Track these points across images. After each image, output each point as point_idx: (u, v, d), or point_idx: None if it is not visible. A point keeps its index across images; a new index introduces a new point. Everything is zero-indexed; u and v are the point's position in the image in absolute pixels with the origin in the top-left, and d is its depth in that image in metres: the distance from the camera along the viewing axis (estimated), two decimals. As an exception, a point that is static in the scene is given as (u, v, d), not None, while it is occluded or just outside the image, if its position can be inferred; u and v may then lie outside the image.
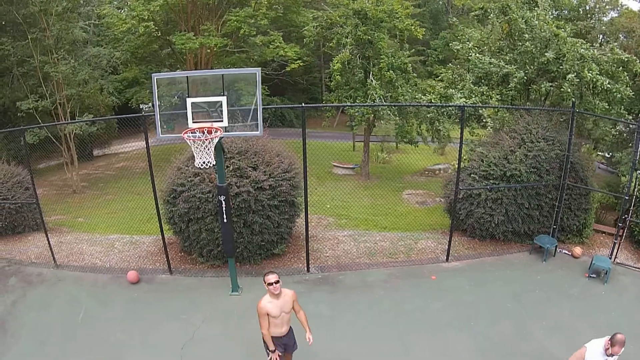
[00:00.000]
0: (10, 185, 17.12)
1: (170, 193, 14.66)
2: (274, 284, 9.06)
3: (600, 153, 18.87)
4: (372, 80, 24.26)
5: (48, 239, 15.51)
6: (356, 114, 24.85)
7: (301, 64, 30.10)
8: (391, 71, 24.18)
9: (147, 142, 13.76)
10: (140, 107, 45.40)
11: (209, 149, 11.64)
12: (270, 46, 29.28)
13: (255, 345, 10.93)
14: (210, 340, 12.14)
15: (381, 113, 24.34)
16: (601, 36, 28.23)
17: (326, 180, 14.18)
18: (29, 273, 15.15)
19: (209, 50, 29.80)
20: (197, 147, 11.65)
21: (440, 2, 62.67)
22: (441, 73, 21.73)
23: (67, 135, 24.73)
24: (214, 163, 11.91)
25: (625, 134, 18.24)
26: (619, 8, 31.07)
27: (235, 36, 29.68)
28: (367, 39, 24.35)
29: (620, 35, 26.24)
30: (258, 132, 12.16)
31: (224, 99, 11.77)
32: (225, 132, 12.01)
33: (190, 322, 12.78)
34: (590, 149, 16.64)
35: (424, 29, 26.77)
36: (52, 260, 15.64)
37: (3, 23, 24.31)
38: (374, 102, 23.32)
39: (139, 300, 13.83)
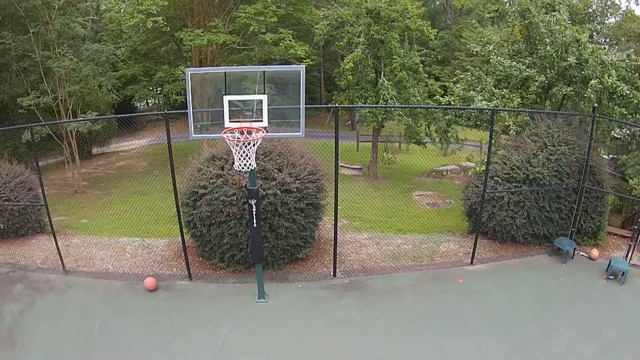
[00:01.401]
0: (13, 186, 15.80)
1: (191, 195, 13.64)
2: None
3: (603, 156, 18.21)
4: (384, 81, 23.70)
5: (57, 243, 14.24)
6: (367, 114, 24.57)
7: (310, 63, 29.00)
8: (403, 72, 23.69)
9: (169, 140, 12.81)
10: (137, 105, 44.28)
11: (250, 151, 10.87)
12: (280, 44, 28.09)
13: (290, 352, 10.87)
14: (241, 352, 11.28)
15: (393, 114, 24.16)
16: (603, 40, 27.44)
17: (332, 180, 13.43)
18: (35, 279, 13.84)
19: (214, 47, 28.58)
20: (238, 149, 10.85)
21: (438, 2, 61.96)
22: (456, 75, 20.81)
23: (70, 132, 23.36)
24: (255, 166, 11.20)
25: (629, 137, 17.77)
26: (620, 13, 30.35)
27: (244, 33, 28.60)
28: (380, 39, 23.92)
29: (622, 39, 25.37)
30: (300, 133, 11.50)
31: (264, 98, 10.98)
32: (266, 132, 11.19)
33: (217, 332, 11.87)
34: (599, 152, 16.18)
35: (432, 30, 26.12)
36: (60, 265, 14.36)
37: (3, 17, 22.91)
38: (386, 102, 22.93)
39: (159, 309, 12.76)
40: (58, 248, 14.17)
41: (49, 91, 23.25)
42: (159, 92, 41.47)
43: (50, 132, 22.47)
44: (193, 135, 11.40)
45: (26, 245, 15.80)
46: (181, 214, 13.56)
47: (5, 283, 13.55)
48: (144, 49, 31.30)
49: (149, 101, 48.32)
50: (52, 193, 21.44)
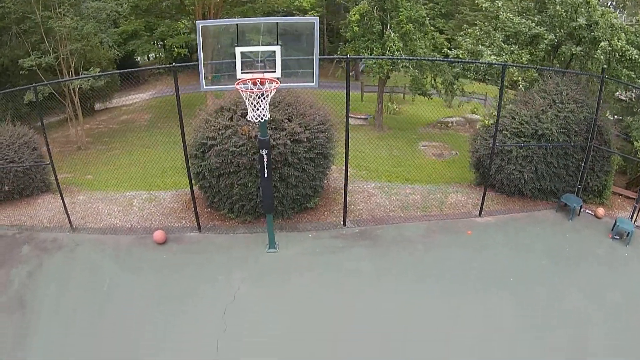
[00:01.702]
0: (17, 147, 15.33)
1: (199, 147, 13.25)
2: None
3: (609, 117, 18.02)
4: (390, 33, 23.31)
5: (63, 201, 13.86)
6: (374, 65, 24.28)
7: (315, 14, 28.37)
8: (409, 24, 23.30)
9: (177, 94, 12.41)
10: (138, 60, 43.68)
11: (264, 102, 10.57)
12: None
13: (301, 304, 10.84)
14: (253, 303, 11.19)
15: (399, 65, 23.84)
16: (610, 2, 26.80)
17: (341, 130, 13.28)
18: (43, 239, 13.46)
19: (218, 0, 27.75)
20: (252, 100, 10.53)
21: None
22: (462, 31, 20.60)
23: (72, 90, 22.84)
24: (268, 117, 10.96)
25: (635, 100, 17.67)
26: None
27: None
28: (387, -9, 23.43)
29: (629, 3, 24.68)
30: (313, 84, 11.20)
31: (277, 49, 10.64)
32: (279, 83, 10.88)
33: (228, 283, 11.74)
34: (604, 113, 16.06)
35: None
36: (67, 223, 13.99)
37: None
38: (392, 54, 22.60)
39: (169, 262, 12.51)
40: (64, 205, 13.81)
41: (51, 51, 22.56)
42: (160, 46, 40.73)
43: (53, 91, 21.93)
44: (204, 87, 11.07)
45: (32, 205, 15.40)
46: (190, 165, 13.25)
47: (13, 245, 13.17)
48: (145, 5, 30.49)
49: (150, 55, 47.75)
50: (56, 151, 20.87)
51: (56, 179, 13.80)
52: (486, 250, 13.05)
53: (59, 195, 13.97)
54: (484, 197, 14.68)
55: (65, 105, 23.22)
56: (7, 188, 15.07)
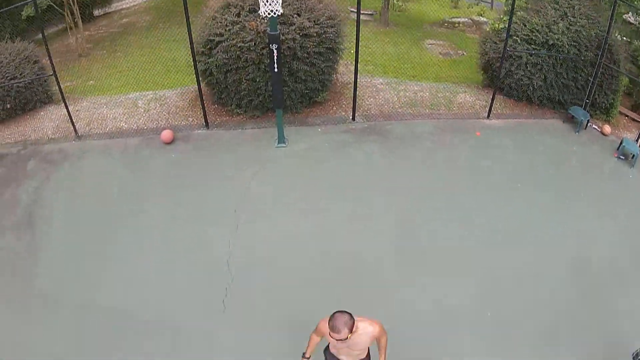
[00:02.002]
0: (17, 63, 14.53)
1: (206, 44, 12.82)
2: (338, 341, 6.03)
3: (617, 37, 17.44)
4: None
5: (67, 108, 13.26)
6: None
7: None
8: None
9: None
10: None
11: None
12: None
13: (313, 197, 10.93)
14: (264, 197, 11.19)
15: None
16: None
17: (346, 25, 12.78)
18: (48, 151, 12.97)
19: None
20: None
21: None
22: None
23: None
24: (281, 12, 10.51)
25: None
26: None
27: None
28: None
29: None
30: None
31: None
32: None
33: (239, 178, 11.63)
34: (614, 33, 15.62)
35: None
36: (72, 132, 13.51)
37: None
38: None
39: (179, 161, 12.25)
40: (69, 113, 13.29)
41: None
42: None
43: (51, 2, 20.98)
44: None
45: (35, 118, 14.76)
46: (196, 63, 12.82)
47: (17, 162, 12.65)
48: None
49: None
50: (56, 61, 20.09)
51: (59, 88, 13.23)
52: (494, 151, 13.03)
53: (62, 105, 13.44)
54: (492, 99, 14.43)
55: (64, 15, 22.32)
56: (9, 106, 14.43)
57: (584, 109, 14.68)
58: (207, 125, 13.46)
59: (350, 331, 5.60)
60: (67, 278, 9.52)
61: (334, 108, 14.38)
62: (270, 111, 13.50)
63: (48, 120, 14.41)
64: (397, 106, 14.72)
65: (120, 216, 10.73)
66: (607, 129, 14.61)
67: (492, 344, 8.51)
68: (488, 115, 14.55)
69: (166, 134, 12.80)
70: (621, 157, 13.42)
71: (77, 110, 14.45)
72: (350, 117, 13.91)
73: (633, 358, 7.83)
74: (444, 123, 14.01)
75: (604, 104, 15.17)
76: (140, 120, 13.93)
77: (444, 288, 9.39)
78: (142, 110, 14.41)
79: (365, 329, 5.94)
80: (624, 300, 9.31)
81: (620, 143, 13.54)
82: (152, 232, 10.39)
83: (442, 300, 9.19)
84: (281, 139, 12.71)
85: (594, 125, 14.86)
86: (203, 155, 12.36)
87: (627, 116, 16.31)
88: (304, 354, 6.35)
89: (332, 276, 9.53)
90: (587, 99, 14.68)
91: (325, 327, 5.84)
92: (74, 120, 13.41)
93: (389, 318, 8.15)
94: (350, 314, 5.65)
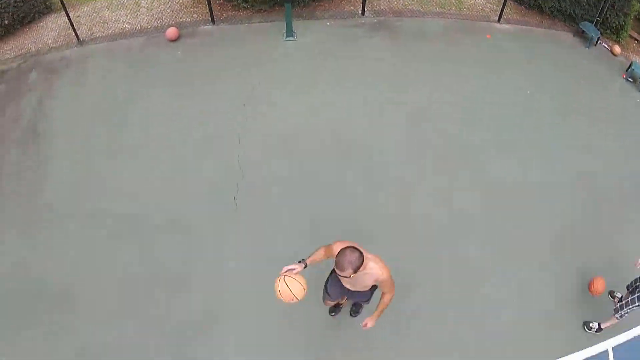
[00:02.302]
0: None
1: None
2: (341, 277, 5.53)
3: None
4: None
5: (67, 12, 12.29)
6: None
7: None
8: None
9: None
10: None
11: None
12: None
13: (323, 92, 10.70)
14: (272, 92, 10.85)
15: None
16: None
17: None
18: (50, 61, 12.15)
19: None
20: None
21: None
22: None
23: None
24: None
25: None
26: None
27: None
28: None
29: None
30: None
31: None
32: None
33: (247, 73, 11.26)
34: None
35: None
36: (73, 38, 12.62)
37: None
38: None
39: (185, 58, 11.66)
40: (68, 16, 12.33)
41: None
42: None
43: None
44: None
45: (34, 30, 13.70)
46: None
47: (19, 76, 11.85)
48: None
49: None
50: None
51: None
52: (504, 55, 12.81)
53: (61, 13, 12.60)
54: (504, 4, 13.79)
55: None
56: (7, 22, 13.52)
57: (595, 26, 14.17)
58: (212, 20, 12.73)
59: (355, 272, 5.27)
60: (74, 189, 9.17)
61: (343, 3, 13.74)
62: (277, 5, 12.79)
63: (48, 30, 13.44)
64: (407, 2, 14.12)
65: (126, 118, 10.24)
66: (617, 49, 14.22)
67: (499, 250, 8.75)
68: (499, 19, 14.08)
69: (171, 32, 12.06)
70: (629, 79, 13.10)
71: (77, 17, 13.43)
72: (360, 12, 13.39)
73: (627, 288, 7.88)
74: (454, 23, 13.65)
75: (614, 24, 14.60)
76: (144, 20, 13.06)
77: (451, 189, 9.51)
78: (146, 10, 13.46)
79: (372, 270, 5.61)
80: (625, 215, 9.54)
81: (630, 65, 13.21)
82: (159, 131, 9.96)
83: (451, 201, 9.32)
84: (290, 33, 12.22)
85: (604, 44, 14.44)
86: (210, 52, 11.78)
87: (637, 40, 15.78)
88: (302, 259, 5.67)
89: (342, 168, 9.55)
90: (598, 17, 14.12)
91: (336, 251, 5.43)
92: (75, 27, 12.53)
93: (397, 210, 8.92)
94: (360, 253, 5.25)
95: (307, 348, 7.56)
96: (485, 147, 10.24)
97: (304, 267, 5.52)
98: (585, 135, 10.91)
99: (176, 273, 8.20)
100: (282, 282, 5.31)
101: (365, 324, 6.10)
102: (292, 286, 5.30)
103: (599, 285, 8.13)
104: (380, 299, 5.93)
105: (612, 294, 8.42)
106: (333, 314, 7.82)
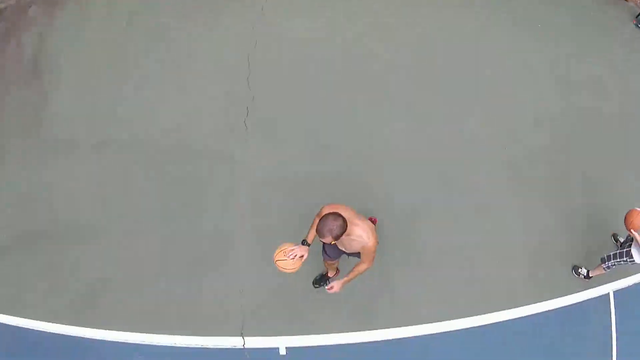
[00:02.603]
0: None
1: None
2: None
3: None
4: None
5: None
6: None
7: None
8: None
9: None
10: None
11: None
12: None
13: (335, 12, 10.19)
14: (281, 14, 10.19)
15: None
16: None
17: None
18: (49, -7, 11.79)
19: None
20: None
21: None
22: None
23: None
24: None
25: None
26: None
27: None
28: None
29: None
30: None
31: None
32: None
33: None
34: None
35: None
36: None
37: None
38: None
39: None
40: None
41: None
42: None
43: None
44: None
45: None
46: None
47: (18, 12, 11.05)
48: None
49: None
50: None
51: None
52: None
53: None
54: None
55: None
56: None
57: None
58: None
59: (335, 239, 5.21)
60: (80, 120, 9.00)
61: None
62: None
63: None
64: None
65: (133, 45, 9.90)
66: (629, -6, 13.93)
67: (506, 182, 8.70)
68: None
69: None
70: (639, 25, 12.39)
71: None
72: None
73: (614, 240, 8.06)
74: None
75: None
76: None
77: (457, 115, 9.30)
78: None
79: (360, 238, 5.54)
80: (628, 150, 9.28)
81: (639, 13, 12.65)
82: (166, 56, 9.68)
83: (457, 128, 9.14)
84: None
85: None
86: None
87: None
88: (304, 240, 5.65)
89: (354, 91, 9.31)
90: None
91: (322, 213, 5.52)
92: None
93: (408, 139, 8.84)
94: (343, 221, 5.17)
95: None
96: (489, 75, 9.85)
97: (309, 247, 5.60)
98: (592, 75, 10.37)
99: (187, 198, 8.19)
100: (276, 266, 5.54)
101: (332, 287, 5.91)
102: (286, 267, 5.49)
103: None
104: (355, 266, 5.83)
105: (615, 236, 8.24)
106: (317, 286, 7.73)
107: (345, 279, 5.86)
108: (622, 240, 7.91)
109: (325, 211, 5.39)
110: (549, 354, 7.66)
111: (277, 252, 5.47)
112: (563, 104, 9.64)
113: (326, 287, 5.99)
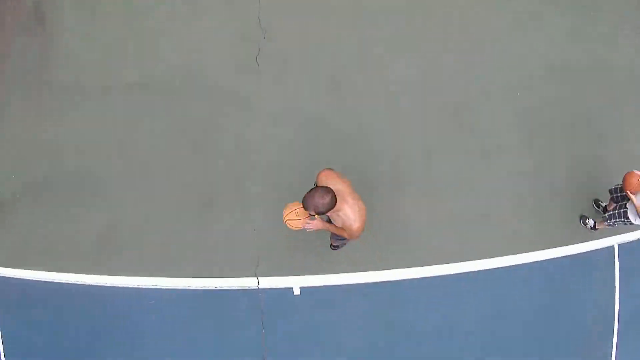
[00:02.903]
0: None
1: None
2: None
3: None
4: None
5: None
6: None
7: None
8: None
9: None
10: None
11: None
12: None
13: None
14: None
15: None
16: None
17: None
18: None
19: None
20: None
21: None
22: None
23: None
24: None
25: None
26: None
27: None
28: None
29: None
30: None
31: None
32: None
33: None
34: None
35: None
36: None
37: None
38: None
39: None
40: None
41: None
42: None
43: None
44: None
45: None
46: None
47: None
48: None
49: None
50: None
51: None
52: None
53: None
54: None
55: None
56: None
57: None
58: None
59: (317, 214, 5.08)
60: (87, 66, 8.69)
61: None
62: None
63: None
64: None
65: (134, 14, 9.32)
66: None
67: (516, 133, 8.53)
68: None
69: None
70: None
71: None
72: None
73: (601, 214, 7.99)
74: None
75: None
76: None
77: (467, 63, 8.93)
78: None
79: (346, 217, 5.32)
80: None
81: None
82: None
83: (472, 75, 8.83)
84: None
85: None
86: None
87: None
88: (311, 214, 5.33)
89: (364, 27, 8.95)
90: None
91: (321, 181, 5.45)
92: None
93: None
94: (332, 197, 4.98)
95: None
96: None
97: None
98: (598, 40, 9.73)
99: (199, 139, 8.12)
100: (286, 224, 5.43)
101: (310, 223, 5.52)
102: (298, 225, 5.39)
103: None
104: (339, 227, 5.57)
105: (596, 202, 8.15)
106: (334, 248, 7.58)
107: (327, 226, 5.66)
108: (604, 204, 7.97)
109: (322, 178, 5.30)
110: (554, 300, 7.78)
111: (287, 212, 5.32)
112: (575, 54, 9.40)
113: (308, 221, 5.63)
